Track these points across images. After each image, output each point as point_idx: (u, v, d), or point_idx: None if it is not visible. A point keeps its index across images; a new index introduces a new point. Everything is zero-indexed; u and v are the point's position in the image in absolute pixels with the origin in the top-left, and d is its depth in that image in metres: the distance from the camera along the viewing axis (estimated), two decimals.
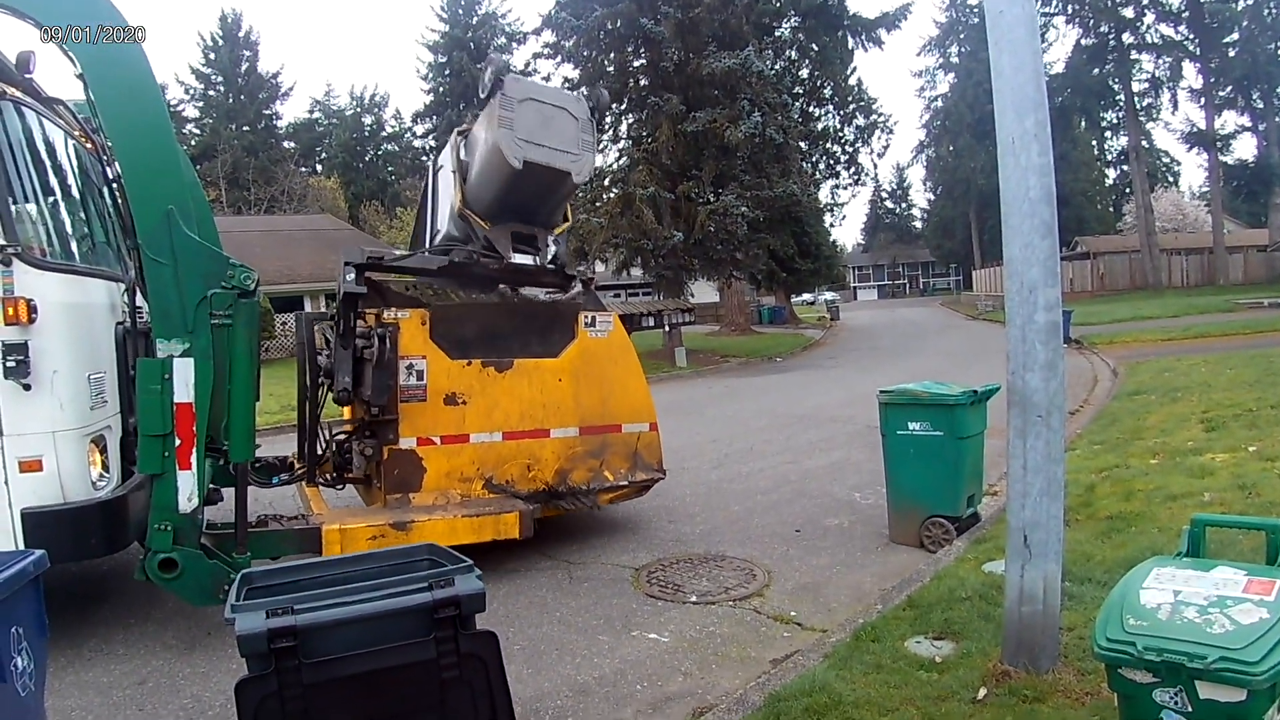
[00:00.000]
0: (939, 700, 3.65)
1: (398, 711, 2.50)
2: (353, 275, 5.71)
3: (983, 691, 3.70)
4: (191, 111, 57.75)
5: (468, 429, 6.12)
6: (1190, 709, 2.42)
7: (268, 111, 59.93)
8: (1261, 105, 45.05)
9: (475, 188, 6.26)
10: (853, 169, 37.32)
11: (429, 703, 2.51)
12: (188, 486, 4.52)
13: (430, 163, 7.49)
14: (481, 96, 6.03)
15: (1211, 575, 2.66)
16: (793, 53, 31.62)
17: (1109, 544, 5.46)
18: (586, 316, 6.56)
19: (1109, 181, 68.24)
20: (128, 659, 4.77)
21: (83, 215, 5.60)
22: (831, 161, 36.45)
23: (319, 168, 61.06)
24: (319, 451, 6.22)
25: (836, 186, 37.75)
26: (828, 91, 34.56)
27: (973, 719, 3.48)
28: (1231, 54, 43.61)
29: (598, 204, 26.23)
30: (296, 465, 6.49)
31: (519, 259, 6.42)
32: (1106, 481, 7.30)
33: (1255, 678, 2.28)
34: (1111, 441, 9.21)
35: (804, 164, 31.94)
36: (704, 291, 34.81)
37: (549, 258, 6.63)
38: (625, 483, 6.65)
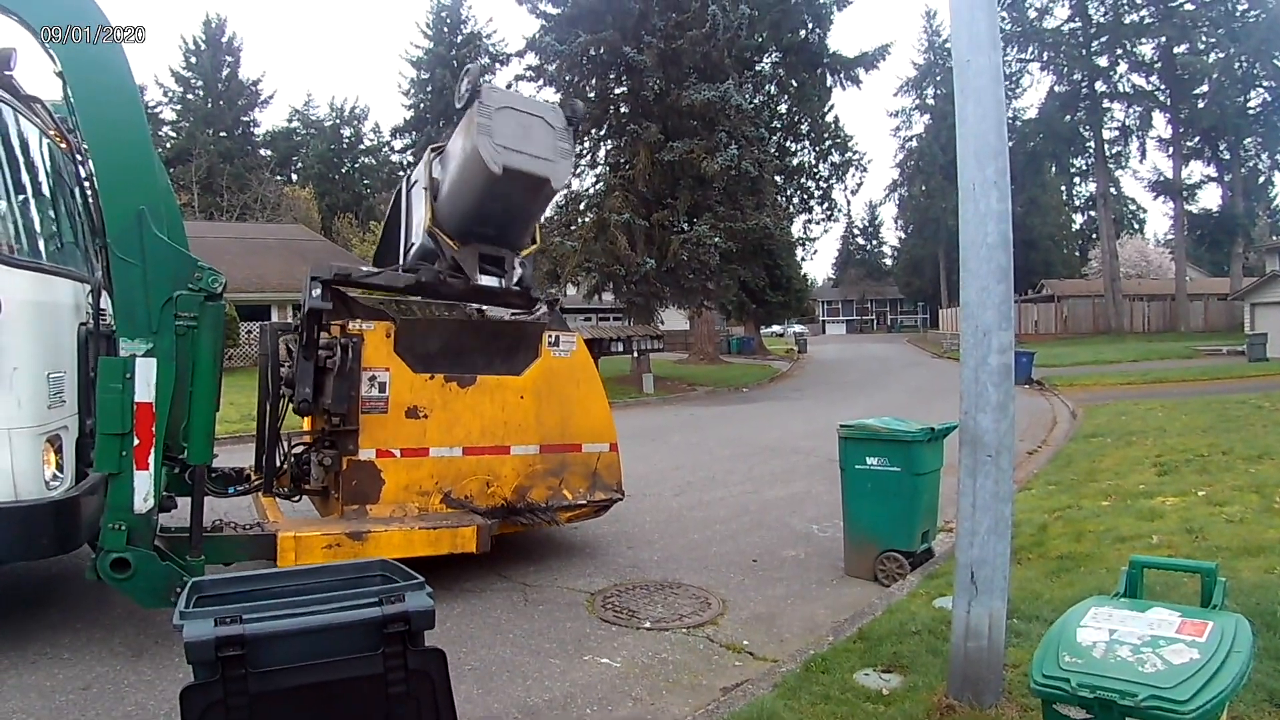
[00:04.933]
0: None
1: None
2: (319, 291, 5.72)
3: None
4: (169, 114, 57.21)
5: (428, 443, 6.11)
6: None
7: (246, 118, 59.49)
8: (1228, 156, 46.38)
9: (448, 202, 6.28)
10: (826, 204, 37.91)
11: (375, 717, 2.51)
12: (144, 487, 4.48)
13: (404, 178, 7.51)
14: (459, 106, 6.05)
15: (1147, 615, 2.73)
16: (772, 87, 32.17)
17: (1058, 583, 5.56)
18: (550, 336, 6.60)
19: (1076, 226, 69.66)
20: (73, 663, 4.69)
21: (53, 214, 5.57)
22: (805, 196, 37.00)
23: (294, 177, 60.60)
24: (277, 463, 6.18)
25: (809, 221, 38.31)
26: (805, 127, 35.13)
27: None
28: (1200, 105, 44.86)
29: (572, 227, 26.36)
30: (253, 476, 6.45)
31: (485, 280, 6.45)
32: (1059, 522, 7.42)
33: (1183, 716, 2.33)
34: (1066, 483, 9.37)
35: (778, 197, 32.37)
36: (674, 319, 34.97)
37: (515, 280, 6.66)
38: (584, 502, 6.67)
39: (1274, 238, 49.66)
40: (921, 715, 3.83)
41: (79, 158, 5.80)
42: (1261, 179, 49.73)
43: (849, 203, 79.79)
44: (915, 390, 23.42)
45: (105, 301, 5.08)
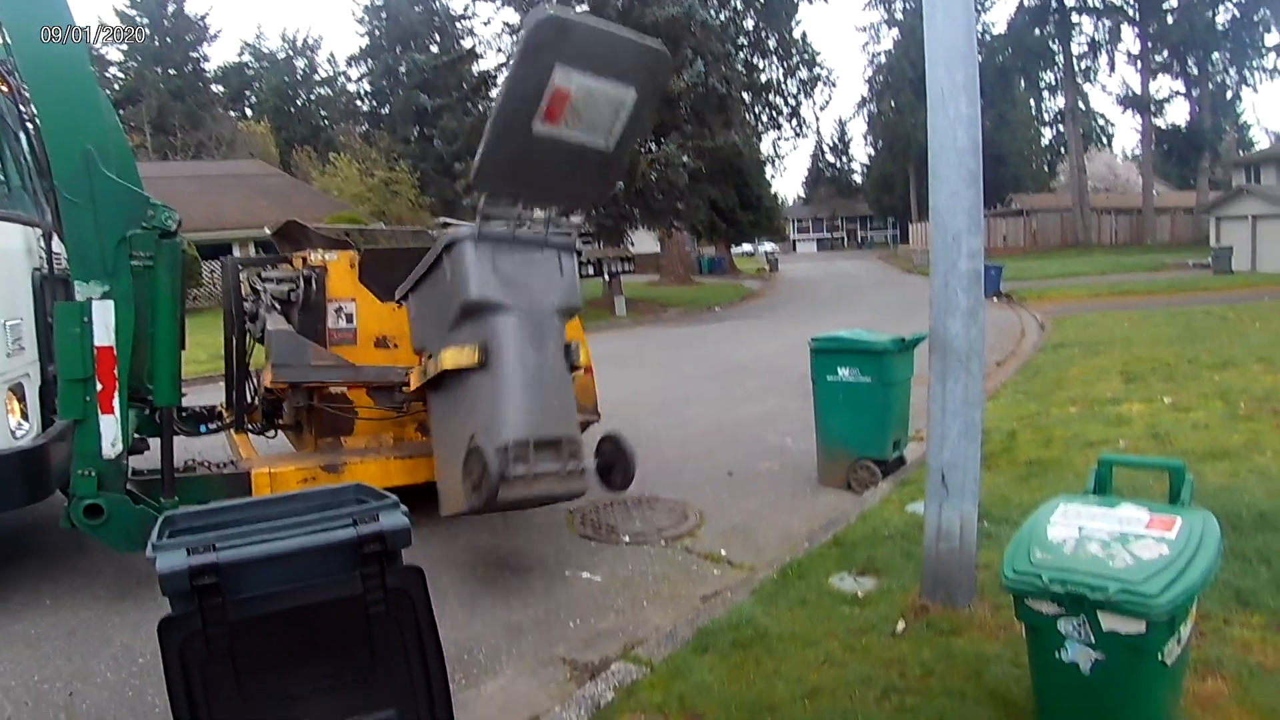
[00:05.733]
0: (860, 633, 3.80)
1: (325, 648, 2.50)
2: None
3: (901, 625, 3.85)
4: (115, 55, 55.08)
5: None
6: (1093, 640, 2.53)
7: (195, 55, 57.40)
8: (1196, 71, 46.29)
9: None
10: (795, 122, 37.40)
11: (357, 639, 2.51)
12: (111, 432, 4.41)
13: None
14: None
15: (1116, 512, 2.77)
16: (738, 2, 31.36)
17: (1027, 487, 5.68)
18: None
19: (1044, 141, 69.35)
20: (56, 610, 4.68)
21: None
22: (774, 114, 36.43)
23: (249, 112, 58.81)
24: (248, 399, 6.11)
25: (779, 139, 38.00)
26: (772, 43, 34.39)
27: (891, 651, 3.63)
28: (1169, 20, 44.52)
29: None
30: (225, 414, 6.37)
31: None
32: (1027, 429, 7.56)
33: (1154, 610, 2.38)
34: (1034, 391, 9.51)
35: (746, 115, 31.88)
36: (645, 241, 34.71)
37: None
38: None
39: (1241, 153, 49.92)
40: (896, 616, 3.93)
41: (20, 99, 5.57)
42: (1229, 94, 49.88)
43: (818, 120, 79.28)
44: (885, 306, 23.54)
45: (59, 246, 4.94)
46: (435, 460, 5.11)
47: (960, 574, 3.97)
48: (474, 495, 4.28)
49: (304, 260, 5.81)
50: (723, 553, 5.27)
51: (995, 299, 21.52)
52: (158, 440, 5.12)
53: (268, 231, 7.33)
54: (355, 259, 5.91)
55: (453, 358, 4.52)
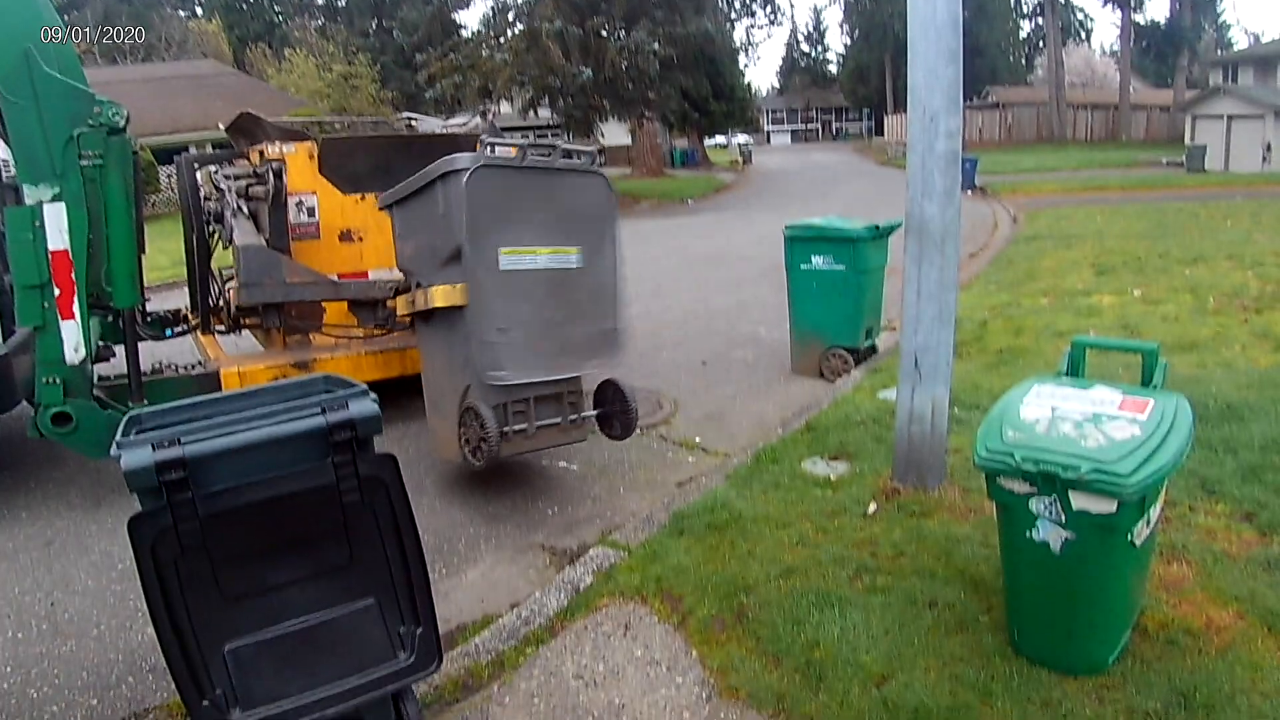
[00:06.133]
0: (832, 515, 3.87)
1: (301, 539, 2.48)
2: None
3: (873, 507, 3.92)
4: None
5: (365, 265, 5.93)
6: (1064, 519, 2.56)
7: None
8: None
9: None
10: (769, 8, 36.41)
11: (332, 528, 2.50)
12: (73, 337, 4.32)
13: None
14: None
15: (1089, 394, 2.78)
16: None
17: (997, 374, 5.75)
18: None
19: (1023, 34, 68.07)
20: (32, 521, 4.65)
21: None
22: (747, 0, 35.30)
23: (199, 10, 56.01)
24: (212, 300, 5.97)
25: (752, 26, 36.85)
26: None
27: (863, 532, 3.70)
28: None
29: (502, 40, 24.96)
30: (190, 317, 6.23)
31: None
32: (999, 318, 7.62)
33: (1125, 489, 2.40)
34: (1006, 282, 9.56)
35: (719, 1, 30.84)
36: (615, 134, 33.98)
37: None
38: None
39: (1219, 52, 49.21)
40: (868, 499, 4.00)
41: None
42: None
43: (792, 6, 76.75)
44: (860, 198, 23.37)
45: (5, 151, 4.72)
46: (425, 397, 4.81)
47: (931, 457, 4.03)
48: (474, 458, 4.13)
49: (261, 154, 5.60)
50: (697, 440, 5.32)
51: (969, 192, 21.38)
52: (122, 346, 5.02)
53: (222, 127, 7.06)
54: (314, 150, 5.71)
55: (445, 295, 4.13)
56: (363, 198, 5.86)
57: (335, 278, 5.47)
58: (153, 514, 2.27)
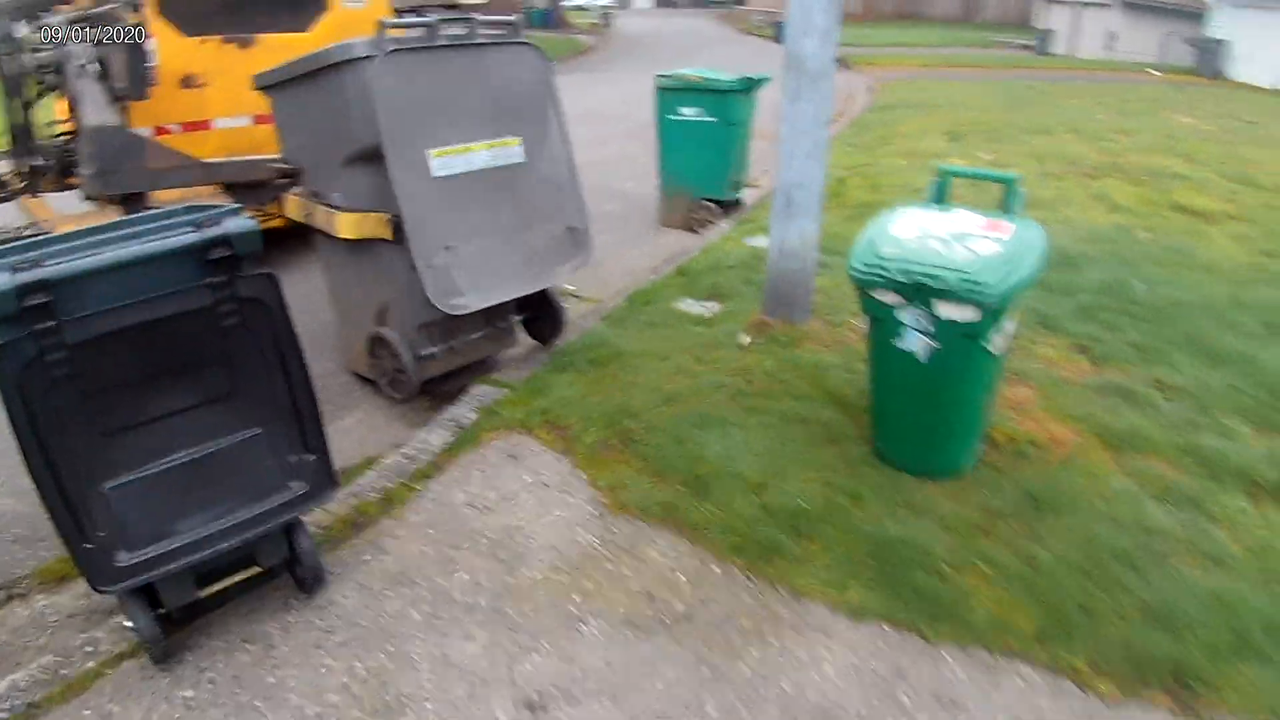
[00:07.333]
0: (709, 348, 4.00)
1: (180, 367, 2.34)
2: None
3: (747, 339, 4.07)
4: None
5: (210, 114, 5.49)
6: (932, 329, 2.76)
7: None
8: None
9: None
10: None
11: (211, 353, 2.37)
12: None
13: None
14: None
15: (954, 217, 2.95)
16: None
17: (857, 225, 5.83)
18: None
19: None
20: None
21: None
22: None
23: None
24: (38, 160, 5.36)
25: None
26: None
27: (739, 362, 3.85)
28: None
29: None
30: (14, 181, 5.60)
31: None
32: (856, 177, 7.83)
33: (988, 297, 2.60)
34: (863, 145, 9.80)
35: None
36: None
37: None
38: None
39: None
40: (739, 330, 4.14)
41: None
42: None
43: None
44: (723, 63, 23.00)
45: None
46: (330, 294, 4.26)
47: (799, 292, 4.18)
48: (392, 389, 3.82)
49: None
50: (570, 288, 5.31)
51: None
52: None
53: None
54: None
55: (354, 227, 3.58)
56: (205, 40, 5.36)
57: (202, 160, 4.79)
58: (16, 343, 2.08)
